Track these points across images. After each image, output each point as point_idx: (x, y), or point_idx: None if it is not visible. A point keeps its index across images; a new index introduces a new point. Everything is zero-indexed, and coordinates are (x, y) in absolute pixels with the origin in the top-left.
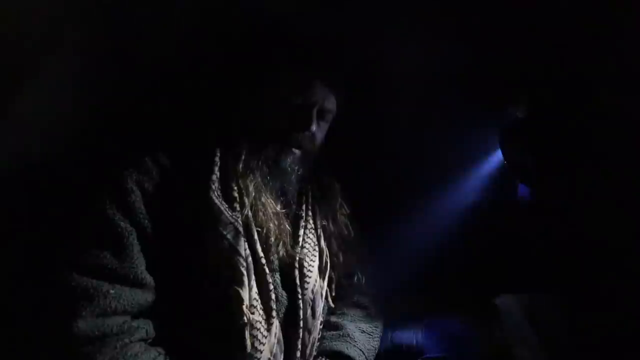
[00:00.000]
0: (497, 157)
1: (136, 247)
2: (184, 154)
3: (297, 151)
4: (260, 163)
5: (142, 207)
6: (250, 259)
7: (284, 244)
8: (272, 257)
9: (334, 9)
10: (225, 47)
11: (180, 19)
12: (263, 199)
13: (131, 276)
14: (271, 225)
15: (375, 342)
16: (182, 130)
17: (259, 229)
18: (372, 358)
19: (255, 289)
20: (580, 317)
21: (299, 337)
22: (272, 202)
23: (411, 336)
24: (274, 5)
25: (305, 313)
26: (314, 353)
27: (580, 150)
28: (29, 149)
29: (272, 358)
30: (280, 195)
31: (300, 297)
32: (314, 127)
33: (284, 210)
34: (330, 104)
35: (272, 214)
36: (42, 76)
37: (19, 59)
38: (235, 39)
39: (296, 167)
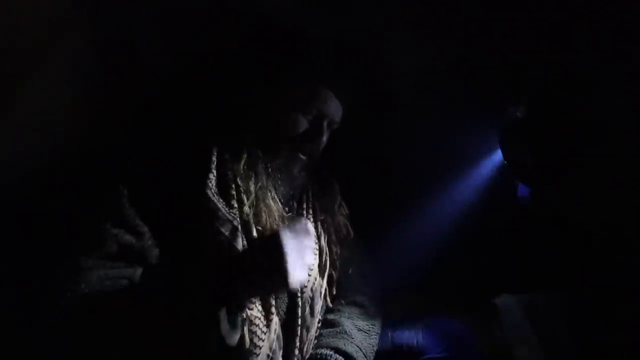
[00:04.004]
0: (497, 157)
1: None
2: (180, 154)
3: (304, 158)
4: (269, 168)
5: (137, 219)
6: None
7: None
8: None
9: (342, 15)
10: (239, 54)
11: (193, 20)
12: (268, 201)
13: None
14: (276, 227)
15: (373, 340)
16: (179, 130)
17: (259, 228)
18: (371, 356)
19: None
20: (580, 317)
21: (297, 334)
22: (279, 205)
23: (412, 336)
24: (290, 15)
25: (303, 311)
26: (311, 350)
27: (580, 150)
28: (28, 149)
29: (271, 354)
30: (288, 199)
31: (299, 294)
32: (325, 138)
33: (290, 214)
34: (340, 116)
35: (277, 217)
36: (41, 76)
37: (19, 59)
38: (251, 47)
39: (302, 173)
